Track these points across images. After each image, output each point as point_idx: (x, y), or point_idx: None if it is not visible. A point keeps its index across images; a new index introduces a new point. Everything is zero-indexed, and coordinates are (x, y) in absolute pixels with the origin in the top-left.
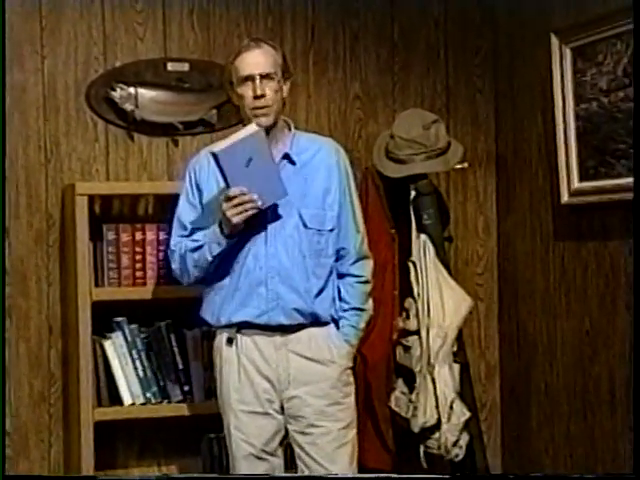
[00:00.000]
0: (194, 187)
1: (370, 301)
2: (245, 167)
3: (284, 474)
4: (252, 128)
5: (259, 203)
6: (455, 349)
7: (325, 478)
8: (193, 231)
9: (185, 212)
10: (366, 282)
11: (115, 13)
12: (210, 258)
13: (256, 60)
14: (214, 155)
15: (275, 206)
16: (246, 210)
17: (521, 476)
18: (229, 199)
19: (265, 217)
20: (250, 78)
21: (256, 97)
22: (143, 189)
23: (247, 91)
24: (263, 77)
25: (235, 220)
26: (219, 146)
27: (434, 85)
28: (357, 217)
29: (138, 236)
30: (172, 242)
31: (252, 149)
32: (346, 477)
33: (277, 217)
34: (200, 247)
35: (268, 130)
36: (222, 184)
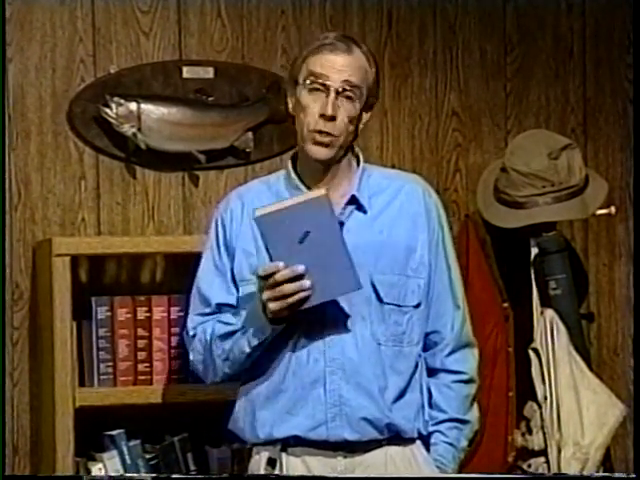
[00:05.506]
0: (222, 246)
1: (475, 408)
2: (298, 244)
3: (293, 474)
4: (316, 193)
5: (306, 293)
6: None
7: (338, 479)
8: (220, 309)
9: (209, 281)
10: (469, 381)
11: None
12: (248, 350)
13: (343, 65)
14: (256, 220)
15: None
16: (285, 296)
17: (526, 477)
18: (263, 278)
19: None
20: (325, 86)
21: (323, 116)
22: (149, 247)
23: (315, 103)
24: (341, 92)
25: (272, 307)
26: (266, 208)
27: (565, 95)
28: (455, 286)
29: (141, 313)
30: (190, 323)
31: (311, 220)
32: (359, 477)
33: None
34: (233, 333)
35: (327, 162)
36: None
